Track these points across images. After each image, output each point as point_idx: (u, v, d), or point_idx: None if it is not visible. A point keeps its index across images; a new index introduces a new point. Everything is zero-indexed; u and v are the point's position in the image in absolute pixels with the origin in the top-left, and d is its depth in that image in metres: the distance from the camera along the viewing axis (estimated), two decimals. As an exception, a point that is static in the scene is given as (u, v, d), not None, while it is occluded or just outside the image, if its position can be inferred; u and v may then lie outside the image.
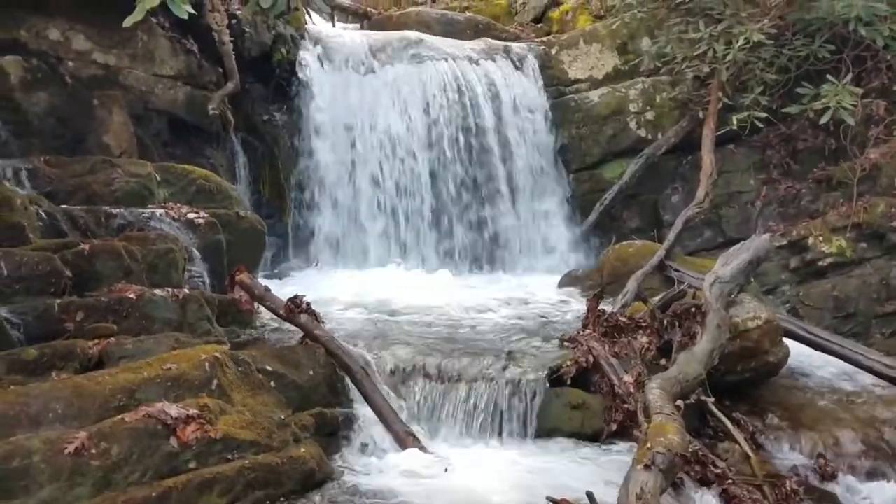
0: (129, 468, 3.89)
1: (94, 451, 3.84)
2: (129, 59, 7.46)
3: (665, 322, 5.86)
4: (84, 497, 3.76)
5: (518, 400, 5.36)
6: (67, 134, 6.96)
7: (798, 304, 8.02)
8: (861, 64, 8.69)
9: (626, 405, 5.27)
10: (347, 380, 5.29)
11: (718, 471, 4.64)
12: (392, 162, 9.06)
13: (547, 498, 4.08)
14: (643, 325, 5.99)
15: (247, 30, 8.65)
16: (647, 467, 3.96)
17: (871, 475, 5.26)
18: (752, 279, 6.74)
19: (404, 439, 4.94)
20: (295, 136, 9.00)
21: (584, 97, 9.79)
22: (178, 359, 4.52)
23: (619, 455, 4.99)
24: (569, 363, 5.57)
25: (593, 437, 5.32)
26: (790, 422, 5.61)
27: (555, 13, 11.64)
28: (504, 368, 5.52)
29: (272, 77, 9.04)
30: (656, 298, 6.38)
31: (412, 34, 9.89)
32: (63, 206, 6.03)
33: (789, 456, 5.37)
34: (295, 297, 5.61)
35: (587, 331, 5.94)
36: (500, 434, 5.29)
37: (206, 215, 6.51)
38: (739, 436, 5.11)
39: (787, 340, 6.05)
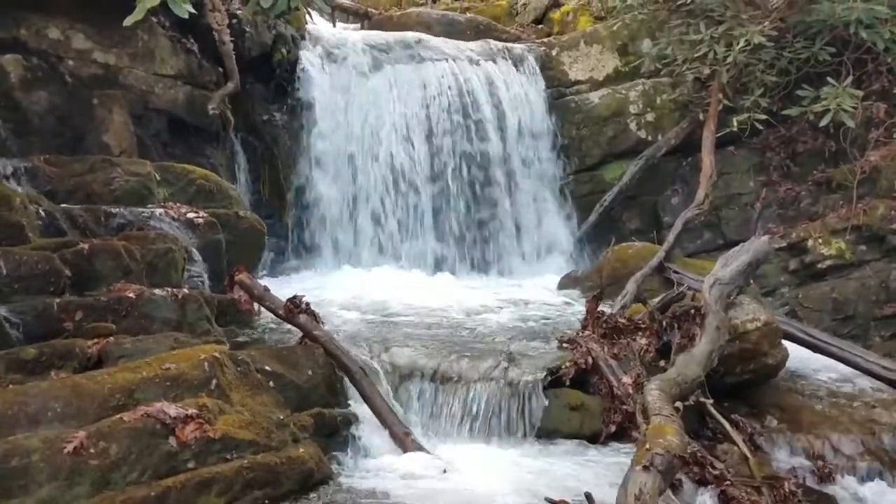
0: (128, 468, 3.89)
1: (92, 450, 3.84)
2: (129, 58, 7.45)
3: (664, 323, 5.87)
4: (83, 496, 3.76)
5: (517, 401, 5.37)
6: (67, 133, 6.95)
7: (797, 307, 8.02)
8: (861, 66, 8.69)
9: (624, 406, 5.28)
10: (346, 380, 5.28)
11: (717, 472, 4.64)
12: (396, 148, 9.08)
13: (546, 499, 4.08)
14: (642, 326, 5.99)
15: (247, 29, 8.65)
16: (645, 468, 3.96)
17: (869, 477, 5.27)
18: (752, 281, 6.75)
19: (403, 440, 4.93)
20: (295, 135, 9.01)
21: (584, 98, 9.79)
22: (178, 358, 4.51)
23: (618, 456, 4.99)
24: (568, 364, 5.58)
25: (592, 439, 5.32)
26: (789, 423, 5.62)
27: (555, 14, 11.65)
28: (503, 370, 5.52)
29: (272, 77, 9.04)
30: (655, 300, 6.38)
31: (412, 35, 9.89)
32: (62, 205, 6.03)
33: (788, 457, 5.38)
34: (294, 297, 5.61)
35: (586, 332, 5.95)
36: (498, 435, 5.29)
37: (205, 215, 6.51)
38: (738, 437, 5.11)
39: (786, 342, 6.05)
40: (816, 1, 8.53)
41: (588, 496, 3.98)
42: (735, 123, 8.68)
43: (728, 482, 4.59)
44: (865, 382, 6.15)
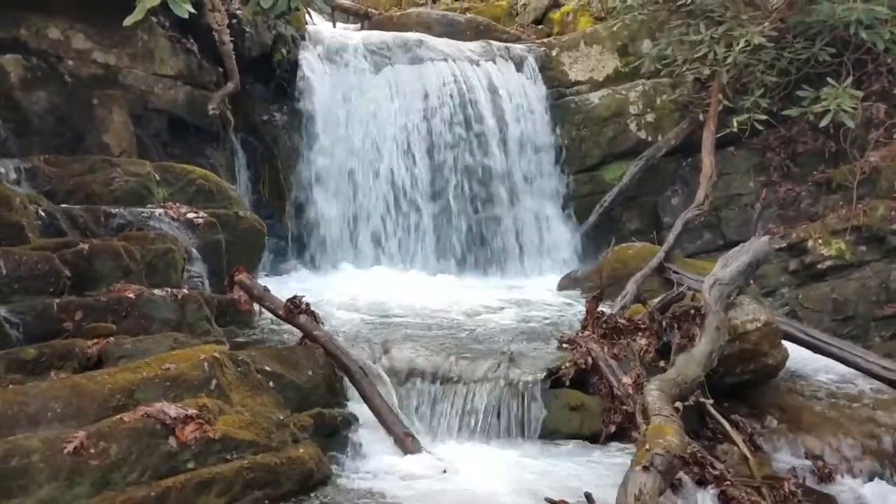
0: (128, 468, 3.89)
1: (92, 450, 3.84)
2: (129, 58, 7.45)
3: (664, 324, 5.87)
4: (83, 497, 3.76)
5: (517, 401, 5.36)
6: (67, 133, 6.95)
7: (797, 307, 8.02)
8: (861, 67, 8.70)
9: (624, 407, 5.28)
10: (346, 380, 5.28)
11: (717, 472, 4.64)
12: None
13: (546, 499, 4.09)
14: (642, 326, 5.99)
15: (247, 30, 8.65)
16: (645, 468, 3.97)
17: (870, 477, 5.27)
18: (752, 281, 6.74)
19: (403, 440, 4.93)
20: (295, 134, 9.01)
21: (584, 99, 9.79)
22: (177, 359, 4.51)
23: (618, 456, 4.99)
24: (568, 365, 5.58)
25: (592, 439, 5.32)
26: (789, 424, 5.62)
27: (555, 15, 11.65)
28: (504, 370, 5.51)
29: (272, 77, 9.04)
30: (655, 300, 6.38)
31: (412, 35, 9.89)
32: (62, 205, 6.03)
33: (788, 458, 5.38)
34: (294, 297, 5.61)
35: (586, 332, 5.95)
36: (498, 436, 5.29)
37: (205, 215, 6.51)
38: (738, 437, 5.11)
39: (786, 343, 6.05)
40: (816, 1, 8.53)
41: (588, 496, 3.98)
42: (735, 124, 8.69)
43: (728, 482, 4.59)
44: (865, 383, 6.15)
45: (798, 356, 6.29)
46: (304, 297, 5.64)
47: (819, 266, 8.12)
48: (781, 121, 8.89)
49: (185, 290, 5.58)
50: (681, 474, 4.41)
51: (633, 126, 9.62)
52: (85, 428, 3.93)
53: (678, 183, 9.36)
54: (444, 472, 4.67)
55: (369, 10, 12.18)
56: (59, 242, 5.42)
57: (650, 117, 9.61)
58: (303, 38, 9.34)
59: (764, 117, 8.69)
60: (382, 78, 9.27)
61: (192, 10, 5.29)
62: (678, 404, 4.83)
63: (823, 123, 8.33)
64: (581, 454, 5.11)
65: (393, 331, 6.38)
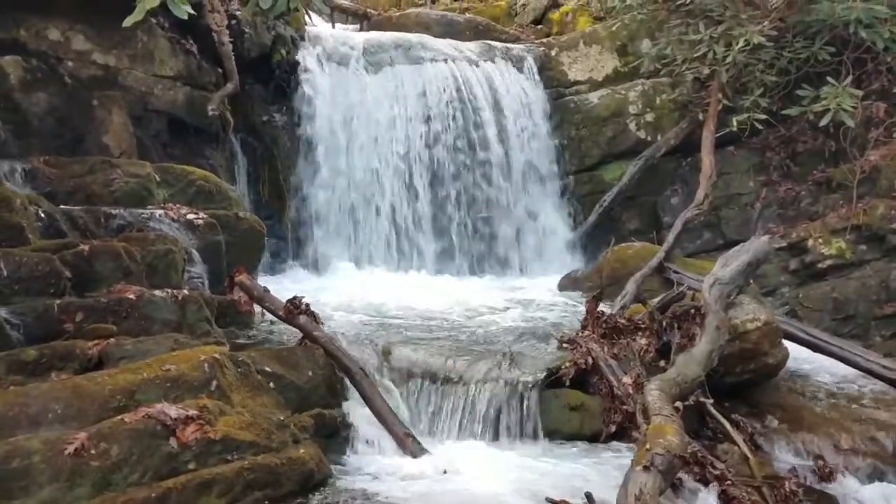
0: (129, 469, 3.89)
1: (93, 451, 3.83)
2: (128, 59, 7.46)
3: (664, 323, 5.87)
4: (83, 498, 3.76)
5: (517, 401, 5.36)
6: (67, 134, 6.96)
7: (797, 306, 8.02)
8: (861, 66, 8.70)
9: (624, 406, 5.28)
10: (347, 381, 5.28)
11: (717, 472, 4.64)
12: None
13: (546, 499, 4.09)
14: (642, 326, 5.99)
15: (246, 30, 8.65)
16: (646, 468, 3.97)
17: (870, 477, 5.26)
18: (752, 281, 6.74)
19: (403, 440, 4.93)
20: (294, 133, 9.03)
21: (583, 99, 9.80)
22: (178, 360, 4.51)
23: (618, 456, 4.99)
24: (568, 365, 5.57)
25: (592, 439, 5.32)
26: (789, 423, 5.62)
27: (555, 15, 11.66)
28: (504, 370, 5.51)
29: (272, 78, 9.04)
30: (655, 300, 6.38)
31: (412, 35, 9.89)
32: (62, 206, 6.03)
33: (788, 457, 5.39)
34: (294, 298, 5.60)
35: (586, 332, 5.94)
36: (499, 436, 5.29)
37: (205, 216, 6.50)
38: (738, 437, 5.11)
39: (786, 342, 6.05)
40: (816, 1, 8.54)
41: (588, 496, 3.98)
42: (735, 123, 8.69)
43: (729, 482, 4.59)
44: (866, 382, 6.15)
45: (798, 356, 6.30)
46: (303, 297, 5.63)
47: (819, 265, 8.12)
48: (781, 120, 8.89)
49: (186, 291, 5.58)
50: (681, 474, 4.41)
51: (632, 126, 9.62)
52: (86, 429, 3.93)
53: (678, 182, 9.37)
54: (445, 472, 4.66)
55: (368, 10, 12.19)
56: (60, 244, 5.42)
57: (650, 117, 9.62)
58: (302, 39, 9.35)
59: (763, 117, 8.69)
60: (383, 77, 9.27)
61: (192, 12, 5.30)
62: (678, 404, 4.83)
63: (823, 122, 8.33)
64: (581, 454, 5.11)
65: (393, 331, 6.39)
